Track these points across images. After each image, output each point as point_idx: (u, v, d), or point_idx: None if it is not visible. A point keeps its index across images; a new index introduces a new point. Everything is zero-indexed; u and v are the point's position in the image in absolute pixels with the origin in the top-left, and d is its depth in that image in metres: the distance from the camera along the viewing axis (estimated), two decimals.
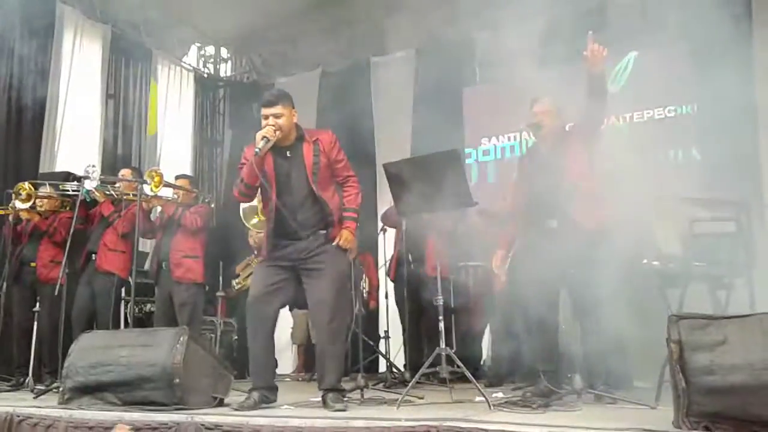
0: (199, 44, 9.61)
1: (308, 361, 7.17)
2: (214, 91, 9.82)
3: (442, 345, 4.04)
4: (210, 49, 9.81)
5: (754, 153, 6.26)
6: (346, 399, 3.77)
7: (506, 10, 5.32)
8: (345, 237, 3.83)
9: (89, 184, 5.26)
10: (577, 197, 3.70)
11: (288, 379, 7.07)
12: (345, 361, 3.89)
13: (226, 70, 9.99)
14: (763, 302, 3.60)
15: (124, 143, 8.05)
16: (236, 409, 3.57)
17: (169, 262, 5.58)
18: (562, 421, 2.93)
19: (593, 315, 3.53)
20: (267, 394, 3.77)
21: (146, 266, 6.60)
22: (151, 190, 5.37)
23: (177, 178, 6.09)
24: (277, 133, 3.72)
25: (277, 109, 3.75)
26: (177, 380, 3.68)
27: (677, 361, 2.63)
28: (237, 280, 7.15)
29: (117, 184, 5.76)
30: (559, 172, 3.81)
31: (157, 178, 5.41)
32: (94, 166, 5.35)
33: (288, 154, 3.84)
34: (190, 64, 9.41)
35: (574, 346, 3.63)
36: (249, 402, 3.67)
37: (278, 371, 6.05)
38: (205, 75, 9.69)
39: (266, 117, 3.77)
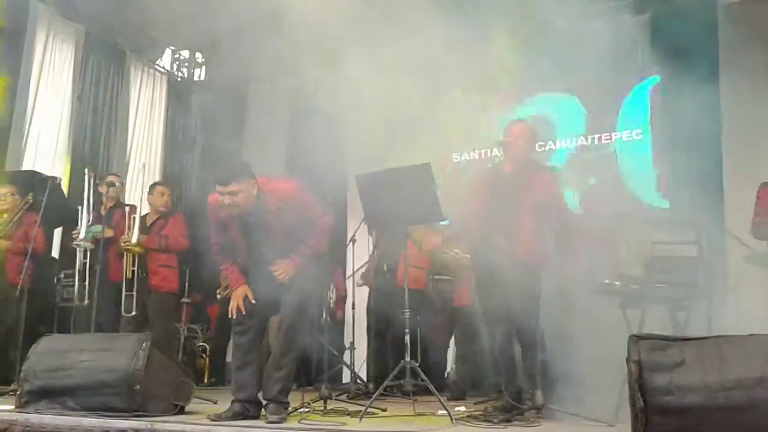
0: (173, 47, 9.54)
1: None
2: (188, 95, 9.73)
3: (407, 358, 4.05)
4: (185, 53, 9.74)
5: (718, 180, 6.44)
6: (289, 412, 3.75)
7: None
8: (282, 267, 3.77)
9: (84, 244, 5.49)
10: (525, 229, 3.78)
11: None
12: (299, 374, 3.87)
13: (200, 74, 9.93)
14: (721, 325, 3.70)
15: (93, 145, 7.92)
16: (213, 419, 3.53)
17: (147, 269, 5.57)
18: None
19: (554, 334, 3.59)
20: (248, 407, 3.73)
21: None
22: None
23: (154, 186, 6.08)
24: (235, 211, 3.68)
25: (233, 187, 3.62)
26: (137, 386, 3.64)
27: (636, 381, 2.68)
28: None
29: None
30: (517, 198, 3.89)
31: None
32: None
33: (252, 220, 3.78)
34: (164, 67, 9.34)
35: (537, 362, 3.66)
36: (227, 413, 3.64)
37: None
38: (179, 79, 9.62)
39: (222, 194, 3.65)
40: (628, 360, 2.72)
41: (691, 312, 3.61)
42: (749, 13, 6.84)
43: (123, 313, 5.47)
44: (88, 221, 5.55)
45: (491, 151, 7.51)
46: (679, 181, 6.48)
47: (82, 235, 5.51)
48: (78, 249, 5.67)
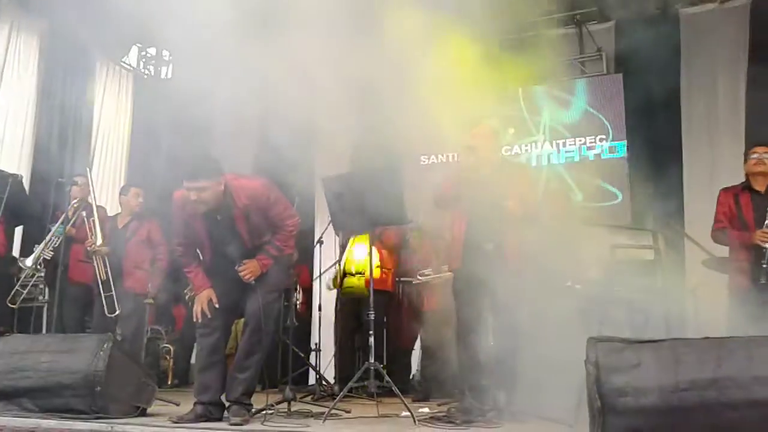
0: (140, 45, 9.42)
1: None
2: (154, 93, 9.61)
3: (371, 359, 4.07)
4: (152, 50, 9.63)
5: (678, 185, 6.59)
6: (252, 414, 3.73)
7: None
8: (248, 267, 3.75)
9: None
10: (511, 225, 3.80)
11: None
12: (263, 376, 3.86)
13: (167, 72, 9.82)
14: (678, 327, 3.79)
15: (60, 143, 7.78)
16: (174, 422, 3.51)
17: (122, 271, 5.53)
18: None
19: (515, 335, 3.64)
20: (211, 409, 3.70)
21: None
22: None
23: (128, 187, 6.04)
24: (202, 208, 3.64)
25: (201, 183, 3.57)
26: (98, 388, 3.59)
27: (594, 382, 2.74)
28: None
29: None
30: (497, 198, 3.90)
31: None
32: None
33: (219, 218, 3.73)
34: (130, 65, 9.22)
35: (499, 364, 3.71)
36: (189, 415, 3.61)
37: None
38: (146, 76, 9.50)
39: (189, 190, 3.60)
40: (586, 362, 2.78)
41: (649, 315, 3.70)
42: (709, 23, 7.02)
43: (107, 314, 5.41)
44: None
45: (457, 155, 7.57)
46: (640, 186, 6.63)
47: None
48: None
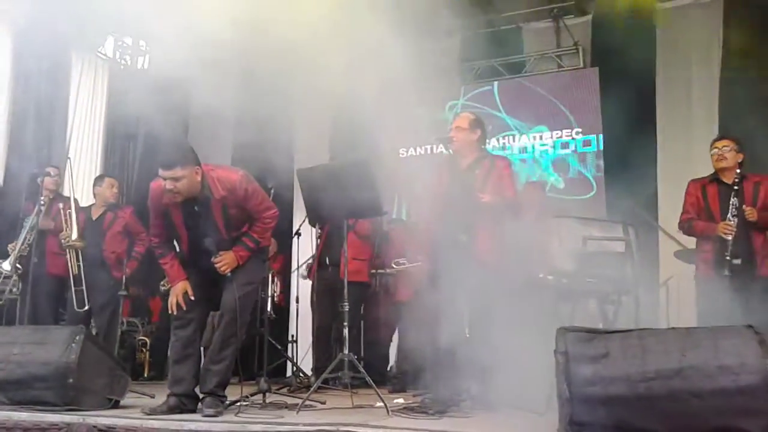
0: (116, 35, 9.31)
1: None
2: (130, 83, 9.50)
3: (346, 351, 4.09)
4: (128, 41, 9.51)
5: (652, 177, 6.67)
6: (226, 406, 3.73)
7: None
8: (225, 259, 3.73)
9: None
10: (484, 219, 3.82)
11: None
12: (238, 368, 3.86)
13: (143, 62, 9.72)
14: (649, 318, 3.85)
15: (36, 132, 7.67)
16: (147, 413, 3.50)
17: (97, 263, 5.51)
18: (456, 426, 3.05)
19: (490, 327, 3.67)
20: (185, 401, 3.69)
21: None
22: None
23: (102, 177, 6.00)
24: (177, 198, 3.62)
25: (176, 172, 3.53)
26: (71, 380, 3.58)
27: (562, 372, 2.78)
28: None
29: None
30: (474, 190, 3.92)
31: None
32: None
33: (196, 209, 3.70)
34: (105, 54, 9.11)
35: (473, 354, 3.74)
36: (162, 407, 3.60)
37: None
38: (122, 66, 9.40)
39: (164, 179, 3.56)
40: (555, 351, 2.82)
41: (620, 306, 3.75)
42: (684, 18, 7.09)
43: (76, 309, 5.37)
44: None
45: (437, 147, 7.60)
46: (614, 179, 6.70)
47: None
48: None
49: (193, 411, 3.68)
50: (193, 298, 3.73)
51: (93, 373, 3.73)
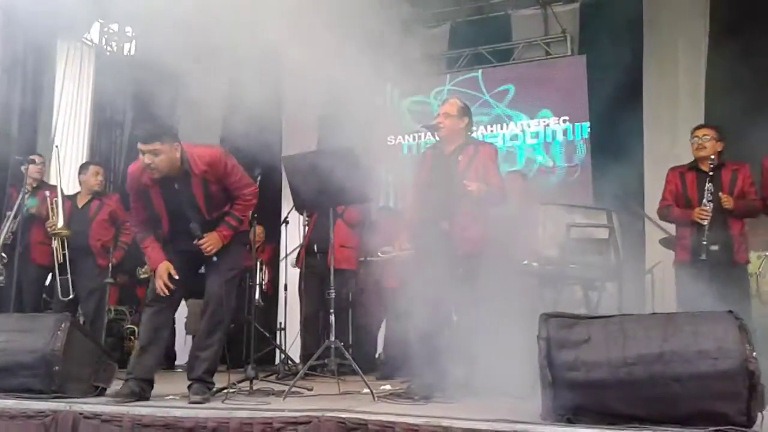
0: (102, 21, 9.23)
1: None
2: (117, 70, 9.43)
3: (332, 338, 4.11)
4: (114, 27, 9.44)
5: (639, 165, 6.71)
6: (213, 393, 3.74)
7: None
8: (209, 240, 3.71)
9: None
10: (467, 205, 3.83)
11: (180, 370, 6.95)
12: (225, 356, 3.87)
13: (130, 48, 9.65)
14: (630, 304, 3.88)
15: (21, 120, 7.60)
16: (113, 397, 3.51)
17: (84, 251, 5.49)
18: (439, 411, 3.07)
19: (474, 313, 3.69)
20: (144, 386, 3.68)
21: None
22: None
23: (87, 165, 5.97)
24: (156, 174, 3.58)
25: (155, 146, 3.51)
26: (56, 368, 3.58)
27: (545, 357, 2.81)
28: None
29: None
30: (458, 177, 3.92)
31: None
32: None
33: (176, 186, 3.66)
34: (92, 41, 9.03)
35: (458, 341, 3.76)
36: (124, 390, 3.59)
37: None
38: (108, 53, 9.33)
39: (143, 153, 3.52)
40: (538, 337, 2.85)
41: (603, 292, 3.78)
42: (671, 5, 7.10)
43: (60, 297, 5.36)
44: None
45: (425, 135, 7.60)
46: (601, 166, 6.73)
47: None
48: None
49: (149, 398, 3.66)
50: (177, 277, 3.69)
51: (79, 361, 3.73)
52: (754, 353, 2.58)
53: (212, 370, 3.78)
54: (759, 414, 2.58)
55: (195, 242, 3.70)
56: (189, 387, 3.70)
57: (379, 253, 5.28)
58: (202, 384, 3.68)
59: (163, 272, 3.69)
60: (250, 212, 3.94)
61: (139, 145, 3.55)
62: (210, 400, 3.60)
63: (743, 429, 2.55)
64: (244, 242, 3.97)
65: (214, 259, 3.75)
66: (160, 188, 3.68)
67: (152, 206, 3.74)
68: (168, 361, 7.14)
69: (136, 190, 3.75)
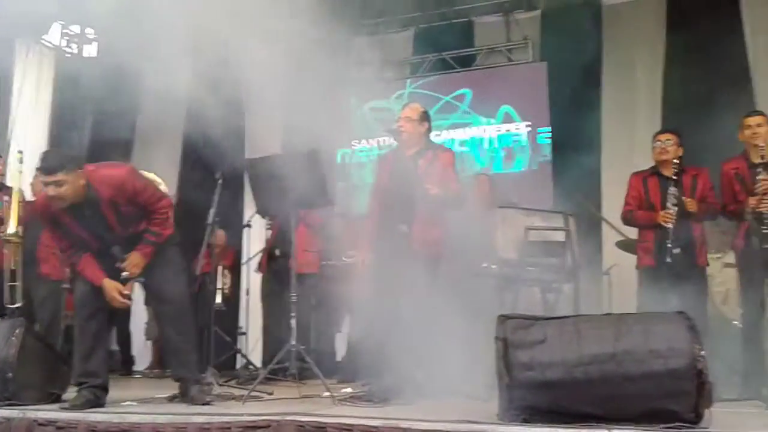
0: (62, 22, 9.07)
1: (163, 357, 6.98)
2: (77, 72, 9.27)
3: (293, 341, 4.10)
4: (75, 28, 9.28)
5: (596, 169, 6.83)
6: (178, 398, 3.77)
7: None
8: (132, 261, 3.65)
9: None
10: (427, 209, 3.86)
11: (139, 376, 6.87)
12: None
13: (90, 51, 9.49)
14: (587, 306, 3.95)
15: None
16: (67, 408, 3.45)
17: (35, 257, 5.34)
18: (398, 413, 3.09)
19: (433, 316, 3.72)
20: (98, 393, 3.64)
21: None
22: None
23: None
24: (62, 204, 3.50)
25: (58, 176, 3.41)
26: (10, 374, 3.54)
27: (502, 358, 2.85)
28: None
29: None
30: (417, 180, 3.94)
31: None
32: None
33: (87, 213, 3.58)
34: (51, 43, 8.87)
35: (416, 343, 3.78)
36: (79, 399, 3.54)
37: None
38: (68, 55, 9.16)
39: (46, 184, 3.44)
40: (495, 338, 2.88)
41: (560, 294, 3.84)
42: (631, 14, 7.25)
43: (8, 305, 5.23)
44: None
45: (388, 139, 7.64)
46: (561, 171, 6.84)
47: None
48: None
49: (103, 405, 3.61)
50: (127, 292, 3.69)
51: (33, 367, 3.68)
52: (702, 352, 2.65)
53: (199, 364, 3.87)
54: (707, 411, 2.65)
55: (117, 265, 3.64)
56: (188, 389, 3.70)
57: (344, 258, 5.28)
58: (199, 384, 3.74)
59: (111, 290, 3.62)
60: (171, 215, 3.84)
61: (42, 177, 3.46)
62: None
63: (692, 426, 2.62)
64: (173, 243, 3.88)
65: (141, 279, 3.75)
66: (71, 216, 3.58)
67: (71, 233, 3.65)
68: (125, 366, 7.05)
69: (49, 222, 3.66)
